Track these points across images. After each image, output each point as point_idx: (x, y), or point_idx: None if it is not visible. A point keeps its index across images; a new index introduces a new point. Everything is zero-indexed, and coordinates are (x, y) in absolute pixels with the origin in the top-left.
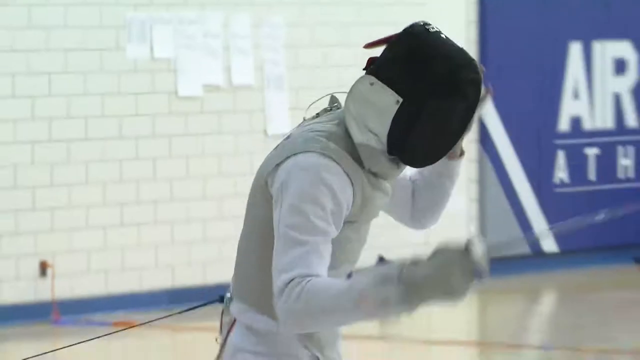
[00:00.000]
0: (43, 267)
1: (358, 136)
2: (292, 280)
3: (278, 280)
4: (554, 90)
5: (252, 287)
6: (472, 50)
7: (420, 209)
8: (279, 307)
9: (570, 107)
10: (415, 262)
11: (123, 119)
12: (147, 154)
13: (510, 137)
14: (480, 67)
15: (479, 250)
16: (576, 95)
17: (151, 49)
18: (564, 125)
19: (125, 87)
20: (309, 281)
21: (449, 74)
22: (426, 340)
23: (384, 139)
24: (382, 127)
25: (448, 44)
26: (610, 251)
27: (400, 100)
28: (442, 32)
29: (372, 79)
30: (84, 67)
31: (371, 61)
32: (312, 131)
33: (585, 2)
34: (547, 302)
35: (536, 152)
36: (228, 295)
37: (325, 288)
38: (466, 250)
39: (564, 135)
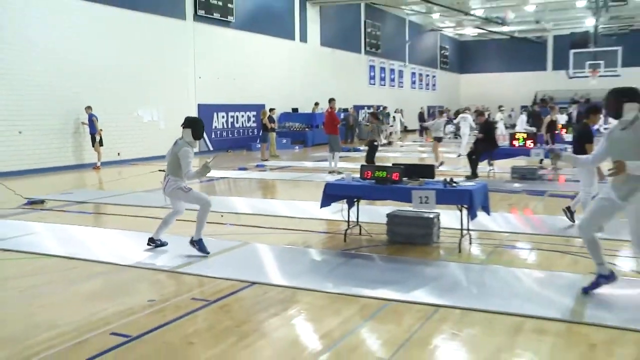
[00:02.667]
0: (119, 154)
1: (187, 139)
2: (187, 172)
3: (185, 171)
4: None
5: (173, 172)
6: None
7: None
8: (186, 177)
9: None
10: (201, 167)
11: None
12: None
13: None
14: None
15: (208, 164)
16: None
17: None
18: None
19: None
20: (190, 172)
21: (197, 121)
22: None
23: (192, 137)
24: (191, 137)
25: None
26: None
27: (190, 129)
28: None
29: (184, 129)
30: None
31: (185, 124)
32: (183, 141)
33: None
34: None
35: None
36: (166, 174)
37: (192, 173)
38: (206, 165)
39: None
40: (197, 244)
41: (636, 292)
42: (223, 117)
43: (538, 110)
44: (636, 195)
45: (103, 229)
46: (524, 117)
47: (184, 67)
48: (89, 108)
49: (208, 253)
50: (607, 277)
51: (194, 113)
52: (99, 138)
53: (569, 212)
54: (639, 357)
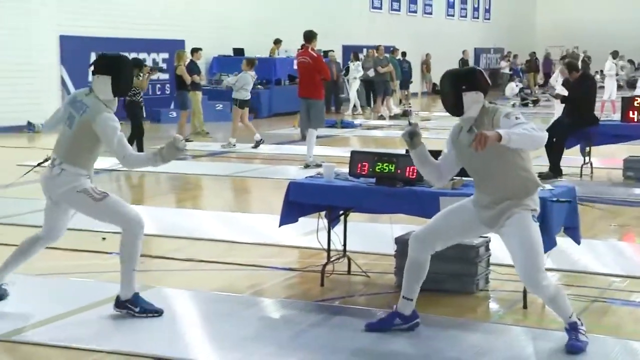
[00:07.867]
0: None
1: (104, 97)
2: (125, 155)
3: (122, 154)
4: None
5: (69, 156)
6: None
7: None
8: (126, 163)
9: None
10: (163, 148)
11: None
12: None
13: None
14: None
15: (180, 142)
16: None
17: None
18: None
19: None
20: (131, 155)
21: (123, 61)
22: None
23: (112, 92)
24: (109, 89)
25: (124, 56)
26: None
27: (110, 77)
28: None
29: (98, 77)
30: None
31: (95, 69)
32: (95, 99)
33: None
34: None
35: None
36: (55, 159)
37: (139, 156)
38: (175, 144)
39: None
40: (133, 304)
41: None
42: None
43: None
44: (510, 219)
45: None
46: None
47: None
48: None
49: (161, 312)
50: (407, 318)
51: (53, 51)
52: None
53: None
54: None
